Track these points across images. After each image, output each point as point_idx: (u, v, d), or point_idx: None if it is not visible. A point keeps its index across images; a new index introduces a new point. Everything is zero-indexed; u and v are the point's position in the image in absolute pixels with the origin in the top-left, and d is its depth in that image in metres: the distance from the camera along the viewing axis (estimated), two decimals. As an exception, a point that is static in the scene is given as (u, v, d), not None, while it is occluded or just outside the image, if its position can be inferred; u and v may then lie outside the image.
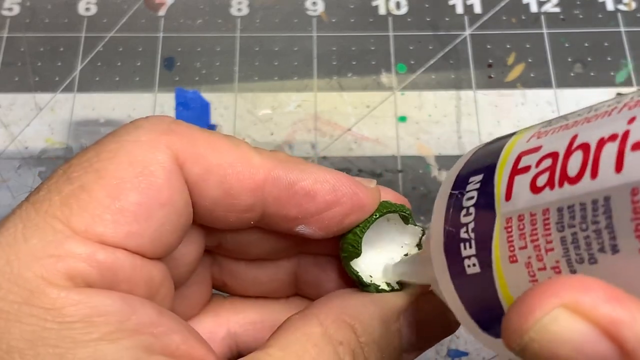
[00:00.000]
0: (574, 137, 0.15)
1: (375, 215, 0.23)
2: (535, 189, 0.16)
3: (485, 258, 0.17)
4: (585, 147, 0.15)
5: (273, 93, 0.41)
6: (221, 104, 0.41)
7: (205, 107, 0.41)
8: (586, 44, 0.43)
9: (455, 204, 0.18)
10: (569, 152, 0.15)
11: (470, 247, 0.17)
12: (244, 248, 0.25)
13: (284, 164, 0.22)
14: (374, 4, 0.44)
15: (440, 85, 0.41)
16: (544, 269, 0.15)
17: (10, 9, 0.44)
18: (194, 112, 0.41)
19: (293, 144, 0.40)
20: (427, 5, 0.44)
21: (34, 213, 0.19)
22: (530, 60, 0.42)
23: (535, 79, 0.42)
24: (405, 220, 0.24)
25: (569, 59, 0.42)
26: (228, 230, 0.24)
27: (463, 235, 0.18)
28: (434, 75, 0.42)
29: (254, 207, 0.22)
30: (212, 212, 0.22)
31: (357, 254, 0.23)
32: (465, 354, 0.35)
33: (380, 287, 0.23)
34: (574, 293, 0.14)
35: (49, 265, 0.18)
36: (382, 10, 0.44)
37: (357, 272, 0.23)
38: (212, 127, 0.40)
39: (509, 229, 0.16)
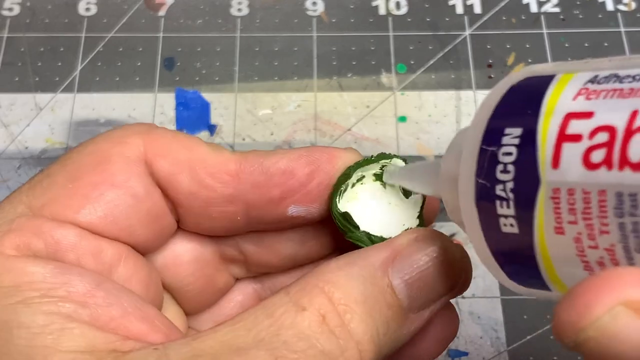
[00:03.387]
0: (634, 114, 0.14)
1: (372, 157, 0.23)
2: (589, 164, 0.15)
3: (526, 222, 0.16)
4: None
5: (273, 93, 0.41)
6: (221, 104, 0.41)
7: (205, 107, 0.41)
8: (586, 44, 0.43)
9: (490, 155, 0.17)
10: (629, 132, 0.14)
11: (509, 207, 0.16)
12: (269, 250, 0.25)
13: (254, 153, 0.22)
14: (374, 4, 0.44)
15: (440, 85, 0.41)
16: (596, 247, 0.15)
17: (10, 9, 0.44)
18: (194, 112, 0.41)
19: (293, 144, 0.40)
20: (427, 5, 0.44)
21: (4, 201, 0.21)
22: (530, 61, 0.42)
23: (535, 79, 0.42)
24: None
25: (569, 59, 0.42)
26: (223, 234, 0.24)
27: (499, 192, 0.17)
28: (434, 75, 0.42)
29: (233, 198, 0.22)
30: (191, 209, 0.22)
31: (348, 176, 0.22)
32: (465, 354, 0.35)
33: (371, 234, 0.22)
34: (634, 290, 0.13)
35: None
36: (382, 11, 0.44)
37: (345, 213, 0.22)
38: (212, 127, 0.40)
39: (557, 200, 0.15)
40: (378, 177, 0.24)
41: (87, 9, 0.44)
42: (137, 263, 0.22)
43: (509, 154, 0.17)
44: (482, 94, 0.41)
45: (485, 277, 0.36)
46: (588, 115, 0.15)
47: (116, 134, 0.22)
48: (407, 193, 0.24)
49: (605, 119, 0.15)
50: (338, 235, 0.24)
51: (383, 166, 0.24)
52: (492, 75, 0.42)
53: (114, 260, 0.21)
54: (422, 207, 0.23)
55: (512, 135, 0.17)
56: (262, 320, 0.18)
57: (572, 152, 0.15)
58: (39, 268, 0.19)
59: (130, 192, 0.21)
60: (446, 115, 0.41)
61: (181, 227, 0.24)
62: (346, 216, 0.22)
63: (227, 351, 0.17)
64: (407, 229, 0.23)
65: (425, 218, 0.24)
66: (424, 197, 0.23)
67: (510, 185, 0.16)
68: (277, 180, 0.22)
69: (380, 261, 0.20)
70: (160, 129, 0.23)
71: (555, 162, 0.15)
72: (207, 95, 0.41)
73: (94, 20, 0.43)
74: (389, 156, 0.24)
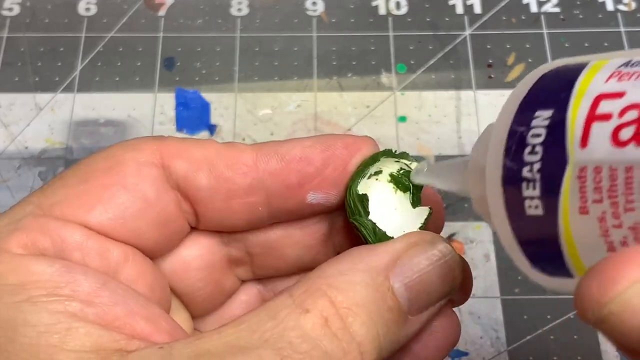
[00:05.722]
0: None
1: (396, 151, 0.23)
2: (617, 142, 0.15)
3: (551, 203, 0.16)
4: None
5: (273, 93, 0.41)
6: (221, 104, 0.41)
7: (205, 107, 0.41)
8: (586, 44, 0.43)
9: (518, 137, 0.17)
10: None
11: (534, 188, 0.16)
12: (276, 253, 0.25)
13: (269, 143, 0.23)
14: (374, 4, 0.44)
15: (440, 85, 0.41)
16: (620, 227, 0.15)
17: (10, 9, 0.44)
18: (194, 112, 0.41)
19: (293, 144, 0.40)
20: (427, 5, 0.44)
21: (16, 204, 0.21)
22: (530, 60, 0.42)
23: (535, 79, 0.42)
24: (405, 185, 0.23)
25: (569, 59, 0.42)
26: (245, 228, 0.24)
27: (526, 174, 0.17)
28: (434, 75, 0.42)
29: (253, 188, 0.22)
30: (213, 205, 0.22)
31: (375, 159, 0.23)
32: (466, 353, 0.35)
33: (377, 226, 0.22)
34: None
35: (5, 236, 0.19)
36: (382, 10, 0.44)
37: (364, 195, 0.22)
38: (212, 127, 0.40)
39: (583, 179, 0.15)
40: (393, 178, 0.23)
41: (87, 9, 0.44)
42: (143, 265, 0.22)
43: (538, 135, 0.17)
44: (482, 94, 0.41)
45: (486, 277, 0.36)
46: (619, 95, 0.15)
47: (130, 141, 0.22)
48: (414, 204, 0.24)
49: (635, 97, 0.15)
50: (346, 242, 0.24)
51: (402, 168, 0.23)
52: (492, 75, 0.42)
53: (119, 261, 0.21)
54: (426, 220, 0.23)
55: (542, 117, 0.17)
56: (266, 321, 0.18)
57: (601, 131, 0.15)
58: (45, 267, 0.19)
59: (140, 196, 0.21)
60: (446, 115, 0.41)
61: (201, 227, 0.23)
62: (364, 199, 0.22)
63: (232, 351, 0.17)
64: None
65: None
66: (431, 211, 0.23)
67: (537, 166, 0.16)
68: (293, 167, 0.22)
69: (382, 266, 0.20)
70: (172, 137, 0.23)
71: (584, 141, 0.15)
72: (207, 95, 0.41)
73: (94, 20, 0.43)
74: (410, 158, 0.23)
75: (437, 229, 0.25)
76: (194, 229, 0.24)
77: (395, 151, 0.23)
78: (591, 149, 0.15)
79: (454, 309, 0.23)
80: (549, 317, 0.35)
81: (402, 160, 0.23)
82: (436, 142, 0.40)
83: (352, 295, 0.19)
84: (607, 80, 0.16)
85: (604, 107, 0.15)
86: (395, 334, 0.20)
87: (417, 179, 0.23)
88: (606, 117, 0.15)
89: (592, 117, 0.15)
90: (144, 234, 0.22)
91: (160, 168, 0.22)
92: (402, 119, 0.40)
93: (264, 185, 0.22)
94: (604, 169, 0.15)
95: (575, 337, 0.35)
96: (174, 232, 0.23)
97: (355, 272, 0.19)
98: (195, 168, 0.22)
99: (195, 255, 0.24)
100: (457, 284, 0.21)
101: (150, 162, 0.22)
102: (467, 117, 0.40)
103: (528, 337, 0.35)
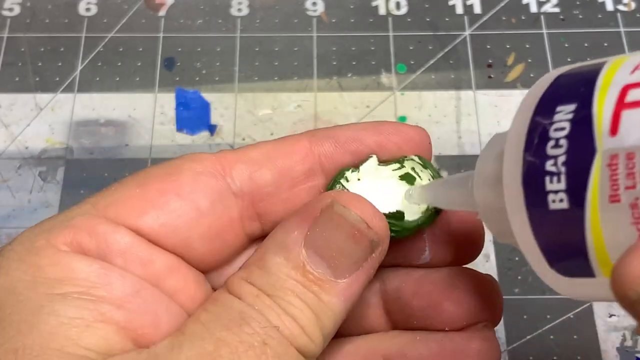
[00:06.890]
0: None
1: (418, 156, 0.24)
2: None
3: (577, 195, 0.16)
4: None
5: (273, 93, 0.41)
6: (221, 104, 0.41)
7: (205, 107, 0.41)
8: (586, 44, 0.43)
9: (540, 132, 0.17)
10: None
11: (559, 181, 0.16)
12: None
13: (321, 129, 0.24)
14: (374, 4, 0.44)
15: (440, 86, 0.42)
16: None
17: (10, 9, 0.44)
18: (194, 112, 0.41)
19: (293, 144, 0.40)
20: (427, 6, 0.44)
21: (77, 203, 0.21)
22: (530, 61, 0.42)
23: (535, 79, 0.41)
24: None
25: (569, 59, 0.42)
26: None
27: (550, 168, 0.17)
28: (433, 76, 0.42)
29: (312, 171, 0.23)
30: (279, 197, 0.23)
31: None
32: (465, 353, 0.35)
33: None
34: None
35: (56, 232, 0.20)
36: (382, 11, 0.44)
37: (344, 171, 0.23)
38: (212, 127, 0.40)
39: (614, 167, 0.15)
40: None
41: (87, 9, 0.44)
42: (187, 277, 0.22)
43: (562, 129, 0.17)
44: (482, 94, 0.41)
45: (485, 277, 0.36)
46: None
47: (191, 154, 0.23)
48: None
49: None
50: None
51: (410, 167, 0.24)
52: (492, 75, 0.42)
53: (162, 272, 0.21)
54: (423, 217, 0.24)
55: (564, 111, 0.17)
56: (200, 313, 0.20)
57: (631, 118, 0.15)
58: (84, 266, 0.19)
59: (194, 205, 0.21)
60: (446, 115, 0.41)
61: (265, 230, 0.24)
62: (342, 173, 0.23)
63: (169, 346, 0.19)
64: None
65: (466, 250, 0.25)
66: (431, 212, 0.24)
67: (562, 158, 0.16)
68: (347, 148, 0.23)
69: (291, 241, 0.21)
70: (227, 149, 0.24)
71: (614, 129, 0.15)
72: (207, 95, 0.41)
73: (94, 20, 0.43)
74: (433, 170, 0.24)
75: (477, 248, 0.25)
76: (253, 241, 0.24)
77: (420, 158, 0.24)
78: (622, 136, 0.15)
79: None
80: (548, 317, 0.35)
81: (426, 170, 0.24)
82: (436, 142, 0.40)
83: (267, 279, 0.20)
84: (632, 72, 0.16)
85: (633, 95, 0.15)
86: (329, 300, 0.20)
87: (411, 200, 0.23)
88: (636, 104, 0.15)
89: (621, 105, 0.16)
90: (192, 243, 0.22)
91: (219, 178, 0.22)
92: (402, 119, 0.40)
93: (322, 168, 0.23)
94: (637, 154, 0.15)
95: (575, 337, 0.35)
96: (227, 245, 0.23)
97: (268, 255, 0.21)
98: (257, 167, 0.23)
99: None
100: (379, 237, 0.21)
101: (209, 172, 0.22)
102: (467, 117, 0.41)
103: (528, 337, 0.35)
